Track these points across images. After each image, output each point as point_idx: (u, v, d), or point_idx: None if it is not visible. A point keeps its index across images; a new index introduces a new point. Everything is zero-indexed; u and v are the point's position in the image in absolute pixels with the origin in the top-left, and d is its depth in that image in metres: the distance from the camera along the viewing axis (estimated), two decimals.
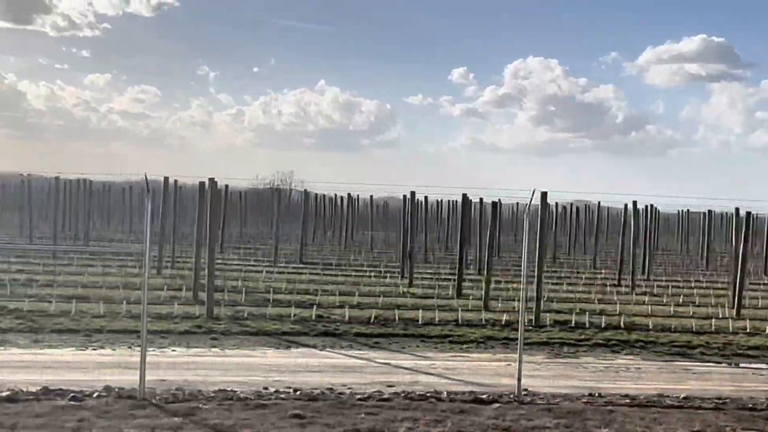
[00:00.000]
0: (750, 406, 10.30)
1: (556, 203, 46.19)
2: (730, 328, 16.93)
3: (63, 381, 10.04)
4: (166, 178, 24.42)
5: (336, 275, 25.03)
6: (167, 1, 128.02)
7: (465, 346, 14.39)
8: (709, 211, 39.65)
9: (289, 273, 24.57)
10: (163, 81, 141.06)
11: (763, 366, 13.77)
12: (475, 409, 9.53)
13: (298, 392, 9.95)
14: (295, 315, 16.12)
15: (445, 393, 10.18)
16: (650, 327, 16.84)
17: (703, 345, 15.21)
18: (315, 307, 16.98)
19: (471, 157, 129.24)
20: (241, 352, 12.91)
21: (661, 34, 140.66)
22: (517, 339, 14.96)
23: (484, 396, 10.13)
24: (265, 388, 10.17)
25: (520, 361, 10.61)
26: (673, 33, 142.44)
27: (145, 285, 9.75)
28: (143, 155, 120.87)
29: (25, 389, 9.40)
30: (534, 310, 16.95)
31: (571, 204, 48.76)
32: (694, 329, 16.71)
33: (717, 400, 10.50)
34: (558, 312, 18.32)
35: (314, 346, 13.67)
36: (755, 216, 29.13)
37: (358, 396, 9.87)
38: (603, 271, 31.07)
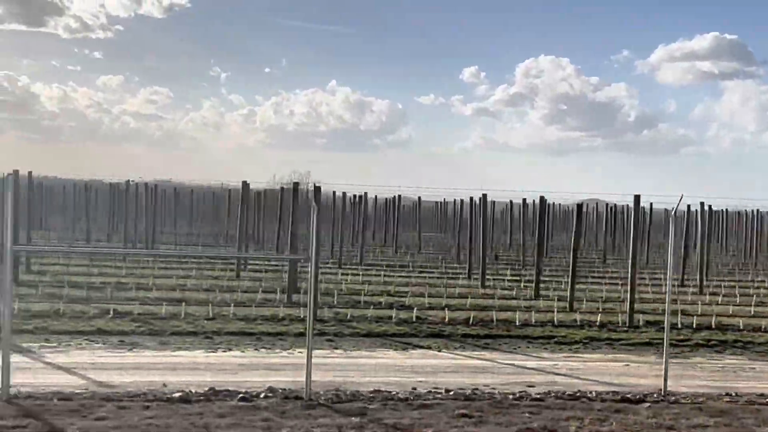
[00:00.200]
0: None
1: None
2: None
3: (219, 382, 10.34)
4: (245, 183, 24.78)
5: (405, 276, 25.25)
6: (179, 3, 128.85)
7: (572, 347, 14.59)
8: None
9: (360, 275, 24.77)
10: (175, 82, 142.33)
11: None
12: (629, 408, 9.75)
13: (450, 392, 10.20)
14: (395, 317, 16.36)
15: (593, 393, 10.41)
16: (741, 327, 16.99)
17: None
18: (415, 309, 17.20)
19: (483, 156, 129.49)
20: (364, 354, 13.17)
21: (674, 32, 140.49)
22: (620, 340, 15.37)
23: (629, 395, 10.35)
24: (414, 389, 10.44)
25: (666, 362, 10.83)
26: (686, 31, 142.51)
27: (310, 293, 10.01)
28: (156, 156, 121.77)
29: (193, 390, 9.70)
30: (628, 311, 17.14)
31: (615, 205, 48.88)
32: None
33: None
34: (643, 313, 18.46)
35: (429, 347, 13.92)
36: None
37: (511, 396, 10.11)
38: (657, 271, 31.18)
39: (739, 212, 47.60)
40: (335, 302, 18.20)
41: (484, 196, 23.73)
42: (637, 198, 17.06)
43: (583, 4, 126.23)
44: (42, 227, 38.29)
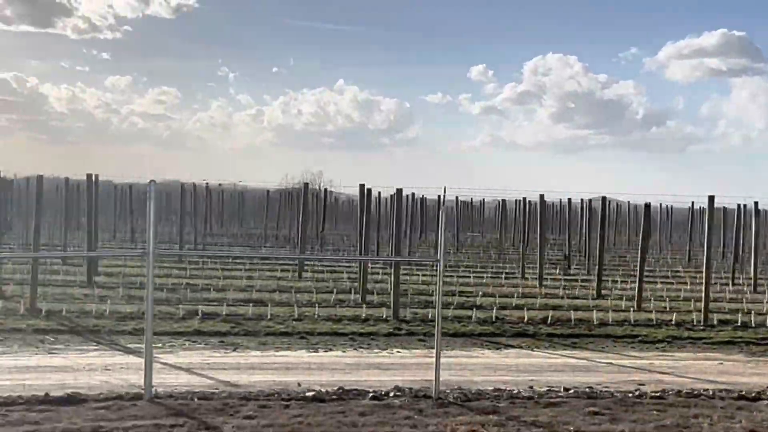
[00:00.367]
0: None
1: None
2: None
3: (340, 381, 10.57)
4: (306, 185, 25.05)
5: (464, 276, 25.40)
6: (186, 3, 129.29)
7: (657, 345, 14.76)
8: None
9: (419, 275, 24.96)
10: (183, 82, 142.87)
11: None
12: (750, 405, 9.93)
13: (570, 391, 10.41)
14: (475, 317, 16.56)
15: (709, 391, 10.60)
16: None
17: None
18: (494, 309, 17.39)
19: (490, 154, 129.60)
20: (461, 353, 13.38)
21: (681, 29, 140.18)
22: (700, 339, 15.53)
23: (743, 393, 10.53)
24: (530, 387, 10.66)
25: None
26: (694, 28, 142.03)
27: (438, 296, 10.23)
28: (164, 157, 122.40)
29: (323, 390, 9.94)
30: (703, 310, 17.29)
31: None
32: None
33: None
34: (716, 312, 18.58)
35: (520, 347, 14.13)
36: None
37: (630, 394, 10.31)
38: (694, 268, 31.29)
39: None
40: (408, 302, 18.40)
41: (542, 196, 23.94)
42: (711, 198, 17.21)
43: (591, 2, 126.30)
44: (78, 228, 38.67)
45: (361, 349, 13.42)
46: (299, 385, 10.30)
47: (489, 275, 26.29)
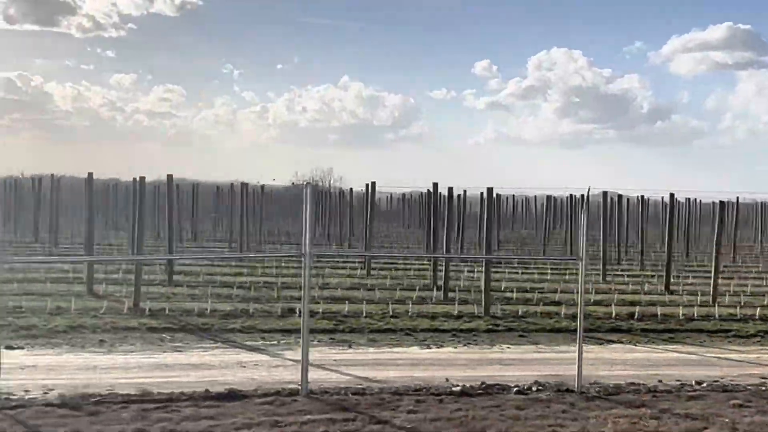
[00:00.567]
0: None
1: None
2: None
3: (473, 377, 10.83)
4: (372, 183, 25.32)
5: (527, 273, 25.53)
6: (191, 1, 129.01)
7: (752, 339, 14.95)
8: None
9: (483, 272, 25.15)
10: (188, 80, 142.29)
11: None
12: None
13: (703, 384, 10.65)
14: (563, 313, 16.77)
15: None
16: None
17: None
18: (580, 305, 17.51)
19: (496, 150, 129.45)
20: (569, 349, 13.54)
21: (686, 23, 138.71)
22: None
23: None
24: (660, 381, 10.90)
25: None
26: (699, 21, 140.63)
27: (580, 294, 10.46)
28: (169, 154, 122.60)
29: (468, 385, 10.20)
30: None
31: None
32: None
33: None
34: None
35: (620, 342, 14.35)
36: None
37: (763, 387, 10.54)
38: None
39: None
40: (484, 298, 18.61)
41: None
42: None
43: None
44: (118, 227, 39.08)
45: (471, 345, 13.66)
46: (447, 380, 10.56)
47: (550, 270, 26.45)
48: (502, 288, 20.76)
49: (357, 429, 8.30)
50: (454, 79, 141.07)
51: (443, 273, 19.04)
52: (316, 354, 12.41)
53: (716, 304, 18.87)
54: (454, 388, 10.03)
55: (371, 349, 13.05)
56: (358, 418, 8.65)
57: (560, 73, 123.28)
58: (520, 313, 16.63)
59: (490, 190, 17.89)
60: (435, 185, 22.33)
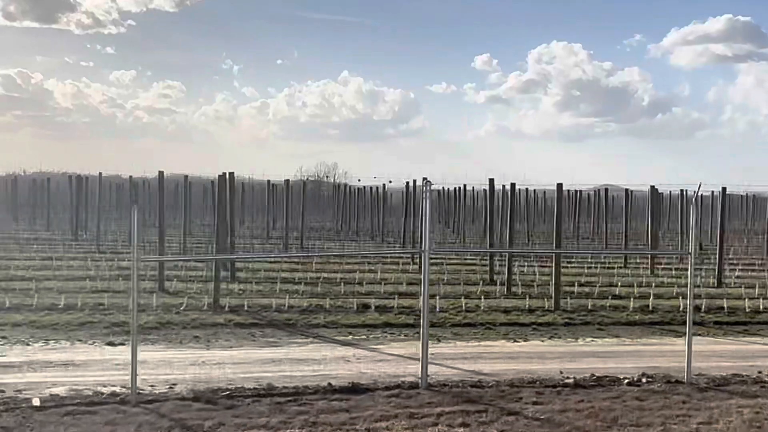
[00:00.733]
0: None
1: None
2: None
3: (576, 369, 11.05)
4: (426, 180, 25.52)
5: (578, 267, 25.72)
6: None
7: None
8: None
9: (535, 267, 25.39)
10: (188, 76, 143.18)
11: None
12: None
13: None
14: (632, 306, 16.96)
15: None
16: None
17: None
18: (651, 298, 17.75)
19: (496, 144, 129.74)
20: (650, 341, 13.83)
21: (686, 15, 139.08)
22: None
23: None
24: (760, 372, 11.10)
25: None
26: (699, 13, 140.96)
27: (690, 290, 10.64)
28: (170, 150, 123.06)
29: (579, 377, 10.42)
30: None
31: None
32: None
33: None
34: None
35: (698, 334, 14.48)
36: None
37: None
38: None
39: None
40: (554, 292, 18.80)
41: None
42: None
43: None
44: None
45: (555, 338, 13.86)
46: (561, 373, 10.78)
47: (592, 264, 26.65)
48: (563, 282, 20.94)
49: (493, 420, 8.52)
50: (454, 73, 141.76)
51: (506, 268, 19.22)
52: (411, 348, 12.64)
53: None
54: (567, 380, 10.25)
55: (460, 343, 13.26)
56: (489, 410, 8.87)
57: (560, 66, 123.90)
58: (589, 306, 16.82)
59: (559, 185, 18.08)
60: (491, 181, 22.62)
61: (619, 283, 20.81)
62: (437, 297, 17.11)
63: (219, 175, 18.57)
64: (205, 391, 9.49)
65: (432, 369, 10.99)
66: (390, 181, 52.62)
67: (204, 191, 45.28)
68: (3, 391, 9.42)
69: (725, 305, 17.15)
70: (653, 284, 21.04)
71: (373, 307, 16.10)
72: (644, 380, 10.36)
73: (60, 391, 9.46)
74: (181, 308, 15.48)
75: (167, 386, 9.83)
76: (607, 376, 10.49)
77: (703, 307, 17.02)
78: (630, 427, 8.37)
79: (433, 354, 12.17)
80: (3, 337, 12.75)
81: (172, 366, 11.08)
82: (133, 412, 8.62)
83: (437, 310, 16.06)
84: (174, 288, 18.27)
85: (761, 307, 17.25)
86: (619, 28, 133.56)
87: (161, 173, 20.63)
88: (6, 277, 19.59)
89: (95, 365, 11.06)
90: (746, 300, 17.67)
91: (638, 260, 28.16)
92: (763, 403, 9.30)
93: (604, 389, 9.92)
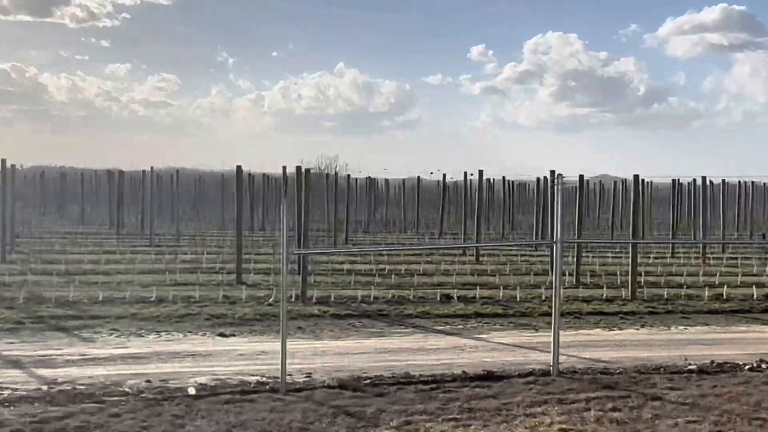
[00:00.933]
0: None
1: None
2: None
3: (694, 356, 11.33)
4: (480, 171, 25.85)
5: (616, 257, 26.02)
6: None
7: None
8: None
9: (609, 257, 25.58)
10: (183, 69, 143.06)
11: None
12: None
13: None
14: (706, 295, 17.22)
15: None
16: None
17: None
18: (754, 287, 17.99)
19: (492, 135, 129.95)
20: (742, 328, 14.13)
21: (682, 5, 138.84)
22: None
23: None
24: None
25: None
26: (694, 3, 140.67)
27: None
28: (166, 144, 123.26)
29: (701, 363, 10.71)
30: None
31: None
32: None
33: None
34: None
35: None
36: None
37: None
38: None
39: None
40: (631, 282, 19.09)
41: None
42: None
43: None
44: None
45: (648, 327, 14.13)
46: (685, 359, 11.06)
47: (654, 255, 26.86)
48: (621, 272, 21.26)
49: (641, 405, 8.80)
50: (450, 64, 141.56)
51: (575, 259, 19.50)
52: (511, 338, 12.93)
53: None
54: (690, 367, 10.53)
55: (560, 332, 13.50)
56: (632, 396, 9.15)
57: (556, 56, 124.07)
58: (665, 296, 17.09)
59: (636, 177, 18.34)
60: (553, 171, 22.87)
61: (685, 272, 21.11)
62: (517, 288, 17.38)
63: (297, 170, 18.78)
64: (348, 379, 9.77)
65: (546, 357, 11.29)
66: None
67: (224, 183, 45.57)
68: (149, 381, 9.70)
69: None
70: (718, 273, 21.28)
71: (455, 298, 16.38)
72: (764, 366, 10.64)
73: (203, 380, 9.74)
74: (270, 300, 15.76)
75: (303, 375, 10.10)
76: (727, 363, 10.77)
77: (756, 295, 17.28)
78: None
79: (539, 342, 12.52)
80: (114, 329, 13.04)
81: (294, 356, 11.32)
82: (289, 400, 8.90)
83: (517, 299, 16.36)
84: (251, 280, 18.54)
85: None
86: (614, 18, 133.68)
87: (239, 168, 20.67)
88: (79, 270, 19.88)
89: (220, 356, 11.34)
90: None
91: (683, 250, 28.47)
92: None
93: (729, 375, 10.20)
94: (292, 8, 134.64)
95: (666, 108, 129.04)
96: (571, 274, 19.73)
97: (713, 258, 25.74)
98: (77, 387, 9.36)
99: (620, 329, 13.89)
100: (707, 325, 14.44)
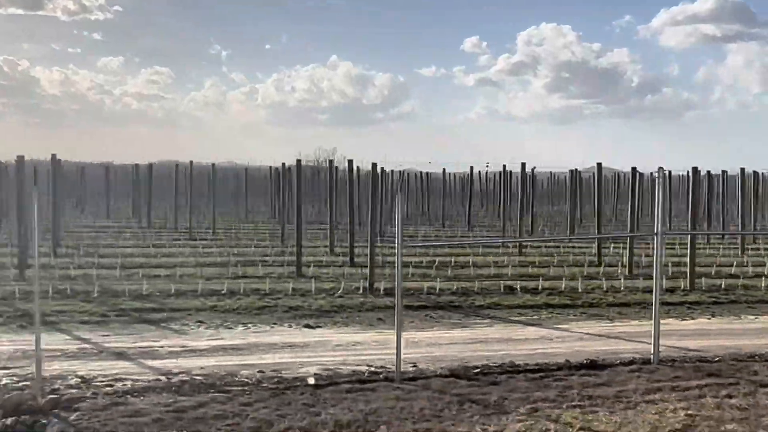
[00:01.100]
0: None
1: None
2: None
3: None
4: (525, 165, 26.07)
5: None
6: None
7: None
8: None
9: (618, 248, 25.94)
10: (176, 61, 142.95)
11: None
12: None
13: None
14: (763, 285, 17.48)
15: None
16: None
17: None
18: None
19: (486, 126, 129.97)
20: None
21: None
22: None
23: None
24: None
25: None
26: None
27: None
28: (159, 137, 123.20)
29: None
30: None
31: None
32: None
33: None
34: None
35: None
36: None
37: None
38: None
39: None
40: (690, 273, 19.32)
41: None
42: None
43: None
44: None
45: (718, 317, 14.40)
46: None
47: (678, 245, 27.14)
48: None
49: (753, 392, 9.07)
50: (444, 56, 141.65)
51: (625, 250, 19.74)
52: (596, 328, 13.17)
53: None
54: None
55: (634, 322, 13.79)
56: (741, 383, 9.41)
57: (549, 48, 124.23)
58: (723, 286, 17.35)
59: (695, 169, 18.59)
60: (599, 165, 23.08)
61: (734, 263, 21.37)
62: (580, 279, 17.63)
63: (372, 165, 19.17)
64: (458, 368, 10.02)
65: (634, 346, 11.56)
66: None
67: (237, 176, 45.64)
68: (262, 371, 9.94)
69: None
70: (759, 264, 21.55)
71: (519, 289, 16.64)
72: None
73: (314, 371, 9.97)
74: (338, 292, 16.00)
75: (410, 365, 10.33)
76: (752, 353, 11.05)
77: None
78: None
79: (621, 332, 12.78)
80: (200, 321, 13.29)
81: (389, 347, 11.58)
82: (408, 389, 9.14)
83: (579, 290, 16.62)
84: (311, 273, 18.78)
85: None
86: (608, 9, 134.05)
87: (298, 162, 20.87)
88: (134, 264, 20.10)
89: (317, 347, 11.57)
90: None
91: (716, 240, 28.74)
92: None
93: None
94: (285, 1, 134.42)
95: (660, 99, 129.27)
96: (624, 265, 19.98)
97: (751, 249, 26.01)
98: (195, 378, 9.60)
99: (692, 318, 14.16)
100: (757, 317, 14.69)
